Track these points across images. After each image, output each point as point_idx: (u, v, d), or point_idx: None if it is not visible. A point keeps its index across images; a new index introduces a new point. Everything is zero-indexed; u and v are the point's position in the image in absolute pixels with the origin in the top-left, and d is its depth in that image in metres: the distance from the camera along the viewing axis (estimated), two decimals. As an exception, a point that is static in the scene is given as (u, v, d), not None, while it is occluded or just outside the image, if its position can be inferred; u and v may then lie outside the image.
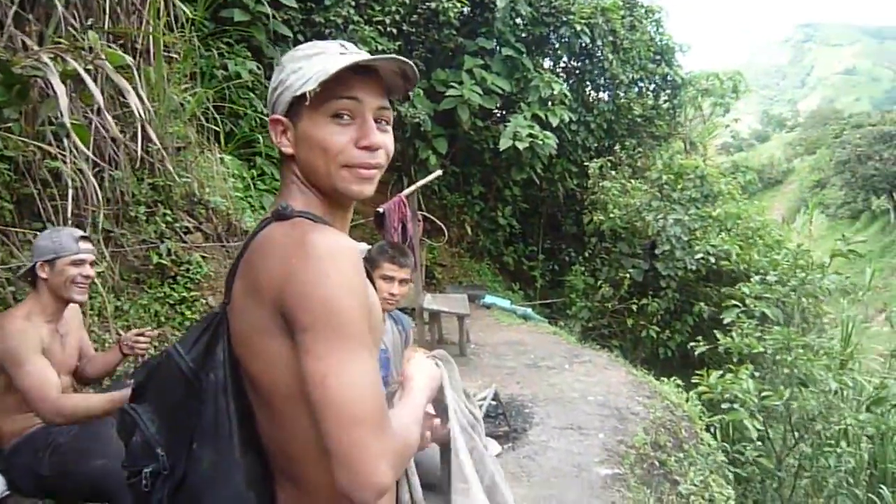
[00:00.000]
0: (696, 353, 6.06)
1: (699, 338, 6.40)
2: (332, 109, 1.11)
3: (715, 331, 6.45)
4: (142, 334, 2.93)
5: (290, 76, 1.13)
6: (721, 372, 5.11)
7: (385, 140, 1.16)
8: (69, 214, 3.72)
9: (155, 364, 1.19)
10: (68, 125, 2.57)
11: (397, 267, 2.89)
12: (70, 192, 3.74)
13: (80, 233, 2.65)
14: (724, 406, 4.81)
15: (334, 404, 0.94)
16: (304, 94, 1.09)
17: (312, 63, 1.12)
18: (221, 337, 1.12)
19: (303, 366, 0.97)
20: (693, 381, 5.35)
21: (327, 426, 0.95)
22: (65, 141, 2.89)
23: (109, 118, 3.00)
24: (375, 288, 2.82)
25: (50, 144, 3.70)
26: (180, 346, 1.15)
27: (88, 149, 4.03)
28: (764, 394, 4.83)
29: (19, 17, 3.60)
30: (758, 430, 4.60)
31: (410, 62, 1.15)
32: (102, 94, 4.19)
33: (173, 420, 1.14)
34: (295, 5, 8.98)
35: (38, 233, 3.68)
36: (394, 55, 1.13)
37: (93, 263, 2.66)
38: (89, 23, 4.12)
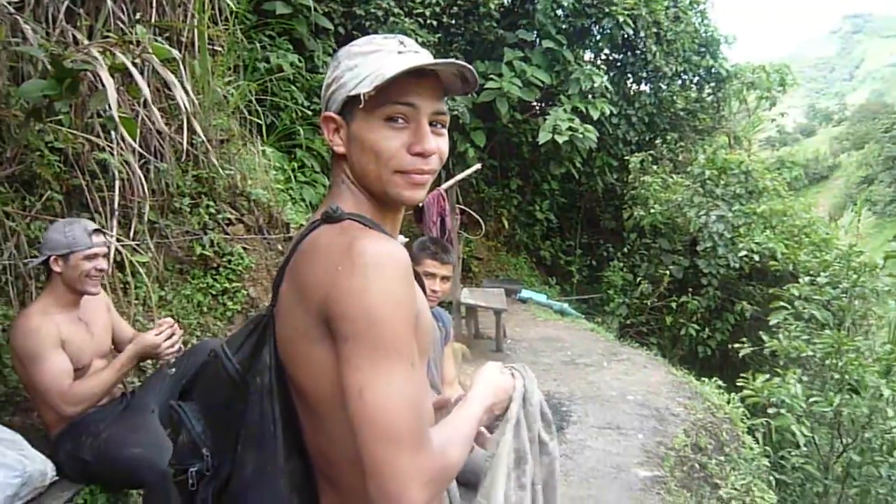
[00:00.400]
0: (740, 354, 5.91)
1: (744, 339, 6.24)
2: (386, 113, 1.08)
3: (758, 331, 6.30)
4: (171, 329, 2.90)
5: (346, 74, 1.10)
6: (767, 375, 4.96)
7: (440, 144, 1.13)
8: (115, 206, 3.80)
9: (203, 363, 1.19)
10: (116, 118, 2.60)
11: (439, 264, 2.86)
12: (117, 183, 3.83)
13: (93, 226, 2.69)
14: (769, 411, 4.68)
15: (369, 418, 0.92)
16: (357, 95, 1.07)
17: (368, 61, 1.09)
18: (268, 340, 1.11)
19: (342, 376, 0.95)
20: (737, 383, 5.22)
21: (362, 439, 0.92)
22: (112, 133, 2.93)
23: (156, 111, 3.03)
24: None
25: (98, 136, 3.77)
26: (227, 348, 1.14)
27: (135, 141, 4.12)
28: (812, 399, 4.69)
29: (70, 11, 3.67)
30: (805, 436, 4.47)
31: (470, 67, 1.11)
32: (149, 87, 4.28)
33: (219, 421, 1.14)
34: (336, -3, 9.02)
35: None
36: (453, 60, 1.09)
37: (105, 255, 2.70)
38: (137, 17, 4.19)
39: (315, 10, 7.96)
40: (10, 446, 2.42)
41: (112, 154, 3.73)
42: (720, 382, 6.41)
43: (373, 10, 9.67)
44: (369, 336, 0.94)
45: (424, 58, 1.09)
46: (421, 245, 2.94)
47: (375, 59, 1.10)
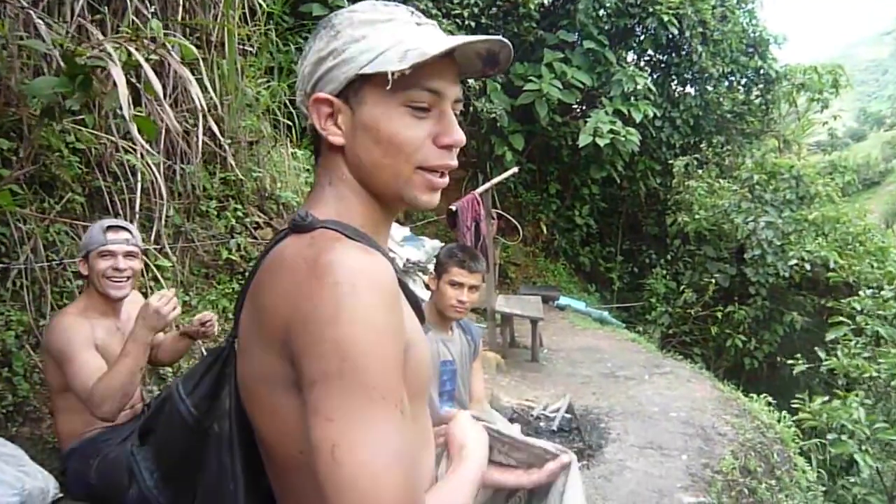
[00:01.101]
0: (794, 371, 5.54)
1: (797, 356, 5.86)
2: (411, 98, 0.88)
3: (809, 344, 5.94)
4: (206, 321, 2.79)
5: (350, 46, 0.88)
6: (826, 397, 4.61)
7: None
8: (137, 208, 3.69)
9: (161, 398, 1.00)
10: (128, 116, 2.46)
11: (467, 272, 2.65)
12: (139, 185, 3.72)
13: (111, 222, 2.53)
14: (829, 436, 4.33)
15: (345, 484, 0.70)
16: (375, 74, 0.86)
17: (381, 32, 0.89)
18: (228, 380, 0.91)
19: (309, 429, 0.74)
20: (792, 403, 4.87)
21: None
22: (136, 134, 2.81)
23: (169, 110, 2.90)
24: (442, 294, 2.63)
25: (123, 138, 3.67)
26: (182, 386, 0.96)
27: (155, 142, 4.02)
28: (877, 425, 4.32)
29: (93, 9, 3.58)
30: (869, 466, 4.12)
31: (509, 44, 0.92)
32: (174, 86, 4.18)
33: (176, 472, 0.96)
34: (373, -1, 8.91)
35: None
36: (499, 38, 0.90)
37: (130, 254, 2.53)
38: (161, 15, 4.09)
39: (351, 11, 7.83)
40: (9, 461, 2.28)
41: (135, 155, 3.63)
42: (770, 399, 6.06)
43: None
44: (342, 377, 0.73)
45: (469, 38, 0.89)
46: (448, 252, 2.73)
47: (390, 29, 0.90)
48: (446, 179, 0.94)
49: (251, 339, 0.85)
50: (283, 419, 0.81)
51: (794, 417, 4.73)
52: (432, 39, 0.88)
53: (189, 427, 0.92)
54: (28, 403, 2.87)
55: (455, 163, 0.94)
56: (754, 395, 5.98)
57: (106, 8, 3.57)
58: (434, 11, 9.76)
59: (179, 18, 4.12)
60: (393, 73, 0.85)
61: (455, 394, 2.79)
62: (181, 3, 4.08)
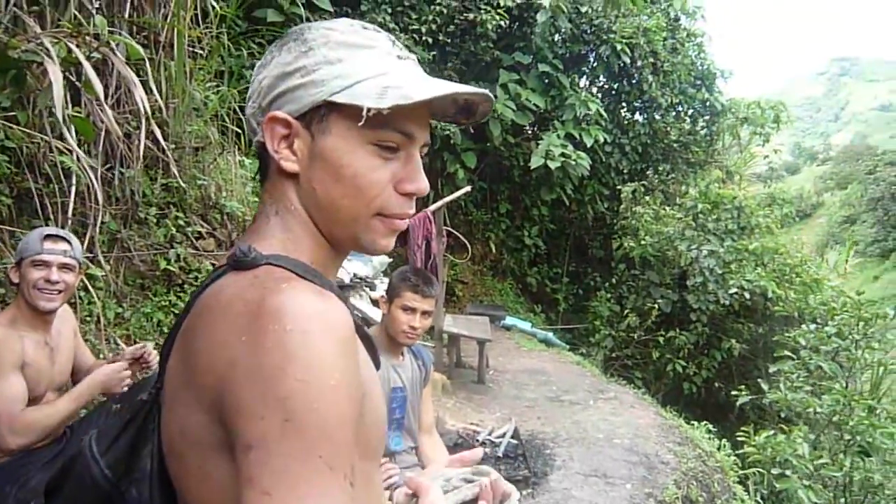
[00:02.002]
0: (738, 402, 5.60)
1: (741, 387, 5.94)
2: (381, 137, 0.80)
3: (749, 372, 6.03)
4: (143, 351, 2.61)
5: (322, 67, 0.79)
6: (771, 432, 4.66)
7: None
8: (70, 213, 3.47)
9: (71, 456, 0.87)
10: (61, 116, 2.29)
11: (420, 297, 2.55)
12: (73, 189, 3.50)
13: (50, 231, 2.36)
14: (773, 471, 4.37)
15: None
16: (349, 105, 0.77)
17: (359, 59, 0.80)
18: (149, 437, 0.79)
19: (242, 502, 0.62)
20: (737, 437, 4.91)
21: None
22: (73, 135, 2.63)
23: (109, 112, 2.72)
24: (394, 319, 2.52)
25: (59, 138, 3.45)
26: (95, 443, 0.83)
27: (94, 144, 3.80)
28: (820, 461, 4.38)
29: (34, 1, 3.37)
30: (813, 502, 4.16)
31: (493, 100, 0.86)
32: (117, 86, 3.96)
33: None
34: (330, 8, 8.77)
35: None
36: (485, 92, 0.84)
37: (66, 267, 2.36)
38: (107, 11, 3.89)
39: (308, 19, 7.69)
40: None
41: (73, 158, 3.41)
42: (710, 426, 6.13)
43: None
44: (284, 442, 0.62)
45: (459, 87, 0.81)
46: (401, 275, 2.62)
47: (370, 58, 0.81)
48: (406, 221, 0.86)
49: (179, 393, 0.73)
50: (213, 488, 0.69)
51: (739, 451, 4.76)
52: (415, 80, 0.80)
53: (102, 491, 0.80)
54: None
55: (413, 210, 0.85)
56: (695, 423, 6.05)
57: (47, 1, 3.37)
58: (392, 25, 9.70)
59: (126, 16, 3.92)
60: (369, 110, 0.76)
61: (404, 422, 2.68)
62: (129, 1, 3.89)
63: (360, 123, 0.76)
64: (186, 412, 0.70)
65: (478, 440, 4.73)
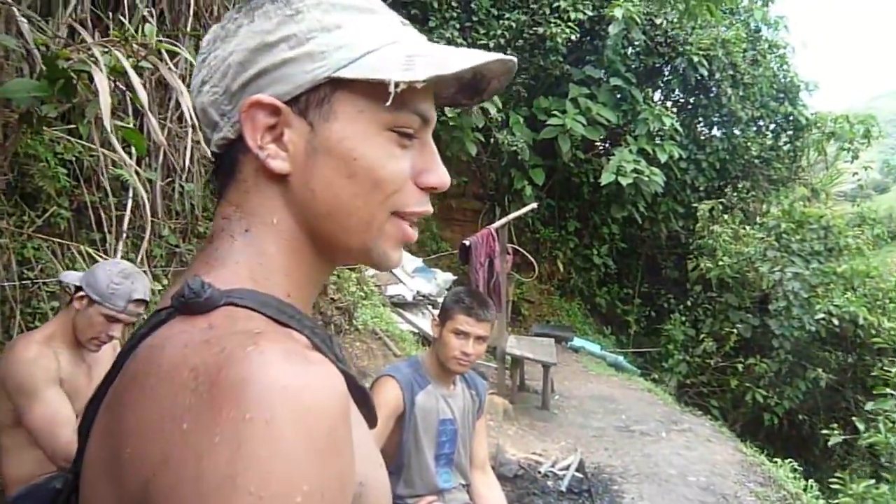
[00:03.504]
0: (830, 443, 5.13)
1: (833, 424, 5.44)
2: (399, 121, 0.62)
3: (836, 405, 5.50)
4: None
5: (318, 35, 0.61)
6: (871, 480, 4.19)
7: None
8: (125, 226, 3.45)
9: None
10: (108, 126, 2.21)
11: (474, 321, 2.34)
12: (129, 202, 3.48)
13: (140, 296, 2.25)
14: (873, 524, 3.93)
15: None
16: (362, 81, 0.59)
17: (361, 25, 0.62)
18: None
19: None
20: (830, 483, 4.46)
21: None
22: (116, 146, 2.57)
23: (154, 121, 2.64)
24: (445, 344, 2.32)
25: (112, 149, 3.43)
26: None
27: (154, 156, 3.79)
28: (930, 518, 3.91)
29: (95, 13, 3.38)
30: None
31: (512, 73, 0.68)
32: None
33: None
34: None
35: (94, 245, 3.46)
36: (511, 58, 0.65)
37: (128, 325, 2.28)
38: (172, 26, 3.89)
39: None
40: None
41: (129, 170, 3.38)
42: (794, 464, 5.65)
43: (435, 40, 9.36)
44: None
45: (490, 55, 0.63)
46: (455, 297, 2.41)
47: (374, 23, 0.63)
48: (416, 231, 0.67)
49: (99, 488, 0.53)
50: None
51: (835, 502, 4.30)
52: (436, 48, 0.63)
53: None
54: (-21, 438, 2.58)
55: (431, 209, 0.67)
56: (778, 460, 5.58)
57: (109, 13, 3.38)
58: (460, 41, 9.62)
59: (189, 28, 3.92)
60: (398, 85, 0.57)
61: (454, 457, 2.47)
62: (191, 11, 3.89)
63: (387, 103, 0.58)
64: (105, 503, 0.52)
65: (540, 472, 4.45)
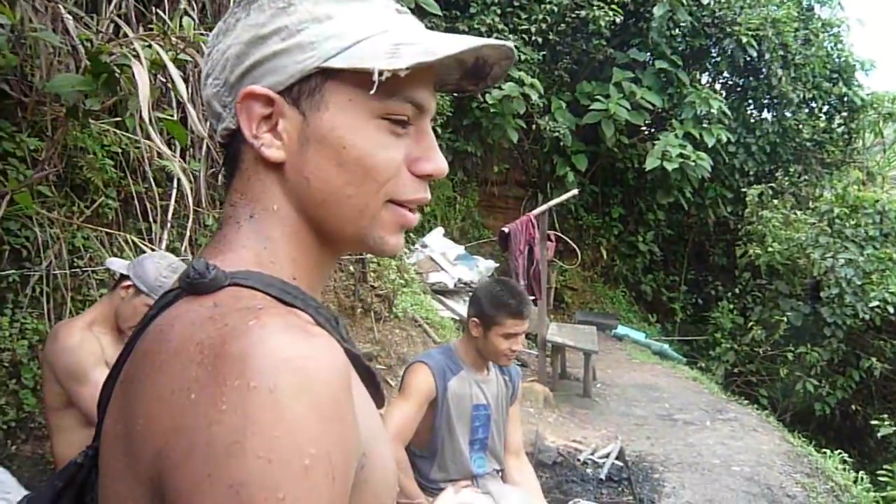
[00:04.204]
0: (879, 433, 4.98)
1: (884, 415, 5.28)
2: (390, 109, 0.63)
3: (892, 395, 5.34)
4: None
5: (309, 26, 0.62)
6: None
7: None
8: (169, 216, 3.55)
9: None
10: (147, 118, 2.27)
11: (521, 320, 2.33)
12: (174, 192, 3.58)
13: None
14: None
15: None
16: (350, 71, 0.61)
17: (353, 14, 0.63)
18: None
19: None
20: (878, 475, 4.34)
21: None
22: (154, 137, 2.65)
23: (194, 112, 2.71)
24: (493, 345, 2.31)
25: (168, 143, 3.53)
26: None
27: (198, 147, 3.88)
28: None
29: (139, 10, 3.47)
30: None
31: (514, 56, 0.68)
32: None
33: None
34: (439, 12, 8.71)
35: (140, 234, 3.57)
36: (508, 44, 0.65)
37: None
38: (214, 19, 3.96)
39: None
40: (-6, 488, 2.10)
41: (174, 161, 3.48)
42: (844, 455, 5.50)
43: (476, 26, 9.36)
44: None
45: (468, 37, 0.64)
46: (496, 300, 2.35)
47: (366, 11, 0.64)
48: (418, 215, 0.68)
49: (114, 461, 0.56)
50: None
51: (883, 494, 4.18)
52: (427, 35, 0.64)
53: None
54: (33, 419, 2.71)
55: (429, 196, 0.67)
56: (828, 451, 5.44)
57: (153, 7, 3.46)
58: (501, 26, 9.55)
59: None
60: (381, 73, 0.58)
61: (488, 442, 2.48)
62: (231, 2, 3.96)
63: (371, 91, 0.59)
64: (123, 490, 0.54)
65: (579, 460, 4.44)
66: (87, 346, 2.26)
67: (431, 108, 0.66)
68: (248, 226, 0.64)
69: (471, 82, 0.72)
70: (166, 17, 2.89)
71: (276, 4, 0.63)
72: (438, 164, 0.66)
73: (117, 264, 2.46)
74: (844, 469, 5.17)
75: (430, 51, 0.59)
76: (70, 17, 2.54)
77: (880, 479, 4.27)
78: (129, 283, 2.31)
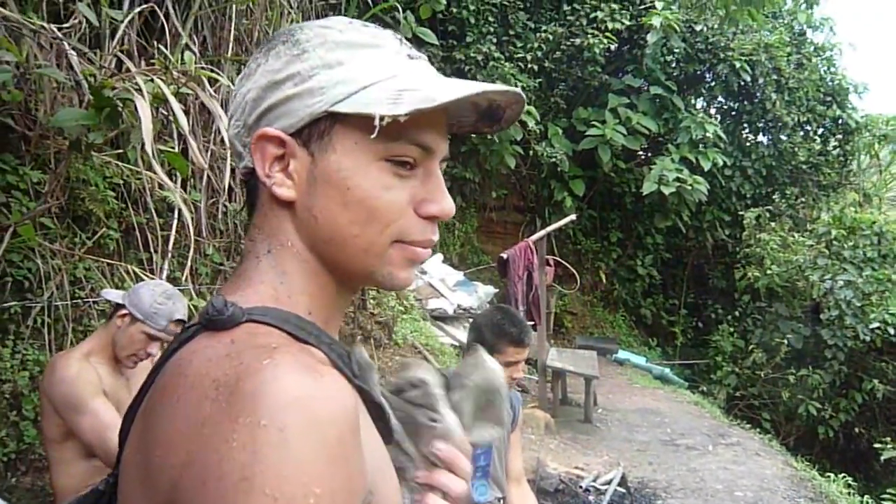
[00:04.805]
0: (882, 457, 4.96)
1: (886, 439, 5.26)
2: (395, 151, 0.65)
3: (894, 416, 5.32)
4: None
5: (320, 72, 0.65)
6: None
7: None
8: (170, 246, 3.57)
9: None
10: (150, 151, 2.31)
11: (522, 349, 2.34)
12: (175, 222, 3.61)
13: (180, 316, 2.33)
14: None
15: None
16: (355, 115, 0.63)
17: (363, 60, 0.66)
18: None
19: None
20: (882, 498, 4.32)
21: None
22: (157, 169, 2.69)
23: (194, 144, 2.75)
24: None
25: (169, 175, 3.57)
26: None
27: (199, 178, 3.92)
28: None
29: (141, 45, 3.53)
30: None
31: (524, 100, 0.71)
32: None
33: None
34: (436, 42, 8.84)
35: (141, 265, 3.60)
36: (517, 90, 0.68)
37: (164, 344, 2.36)
38: (214, 51, 4.04)
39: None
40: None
41: (175, 192, 3.52)
42: (848, 478, 5.46)
43: (473, 55, 9.49)
44: None
45: (465, 81, 0.66)
46: (497, 328, 2.36)
47: (376, 58, 0.67)
48: (429, 250, 0.69)
49: (133, 489, 0.59)
50: None
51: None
52: (433, 81, 0.66)
53: None
54: (33, 451, 2.71)
55: (437, 237, 0.69)
56: (832, 474, 5.41)
57: (155, 41, 3.53)
58: (497, 55, 9.67)
59: (231, 54, 4.06)
60: (382, 119, 0.61)
61: (490, 470, 2.47)
62: (231, 37, 4.03)
63: (372, 136, 0.62)
64: None
65: (581, 486, 4.42)
66: (85, 376, 2.25)
67: (441, 149, 0.68)
68: (266, 261, 0.67)
69: (486, 124, 0.75)
70: (168, 52, 2.94)
71: (290, 52, 0.67)
72: (444, 205, 0.68)
73: (112, 294, 2.47)
74: (849, 493, 5.14)
75: (430, 97, 0.61)
76: (74, 53, 2.58)
77: (885, 502, 4.23)
78: (124, 311, 2.32)
